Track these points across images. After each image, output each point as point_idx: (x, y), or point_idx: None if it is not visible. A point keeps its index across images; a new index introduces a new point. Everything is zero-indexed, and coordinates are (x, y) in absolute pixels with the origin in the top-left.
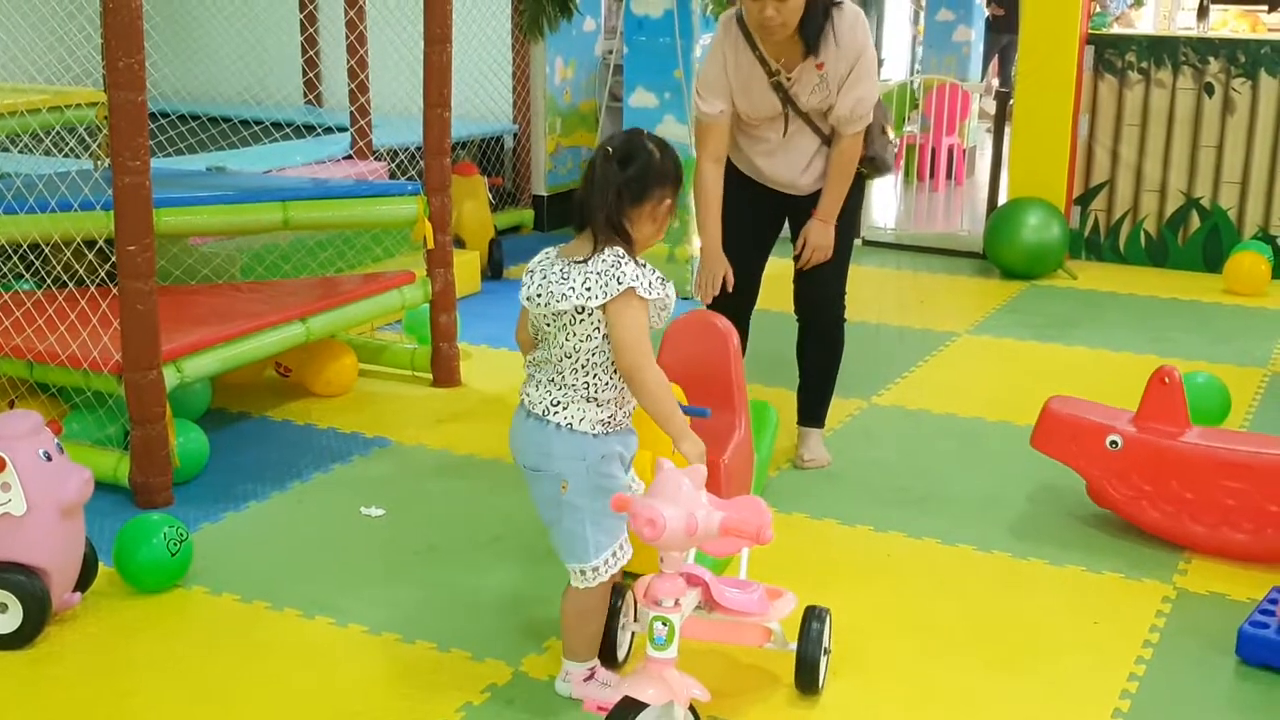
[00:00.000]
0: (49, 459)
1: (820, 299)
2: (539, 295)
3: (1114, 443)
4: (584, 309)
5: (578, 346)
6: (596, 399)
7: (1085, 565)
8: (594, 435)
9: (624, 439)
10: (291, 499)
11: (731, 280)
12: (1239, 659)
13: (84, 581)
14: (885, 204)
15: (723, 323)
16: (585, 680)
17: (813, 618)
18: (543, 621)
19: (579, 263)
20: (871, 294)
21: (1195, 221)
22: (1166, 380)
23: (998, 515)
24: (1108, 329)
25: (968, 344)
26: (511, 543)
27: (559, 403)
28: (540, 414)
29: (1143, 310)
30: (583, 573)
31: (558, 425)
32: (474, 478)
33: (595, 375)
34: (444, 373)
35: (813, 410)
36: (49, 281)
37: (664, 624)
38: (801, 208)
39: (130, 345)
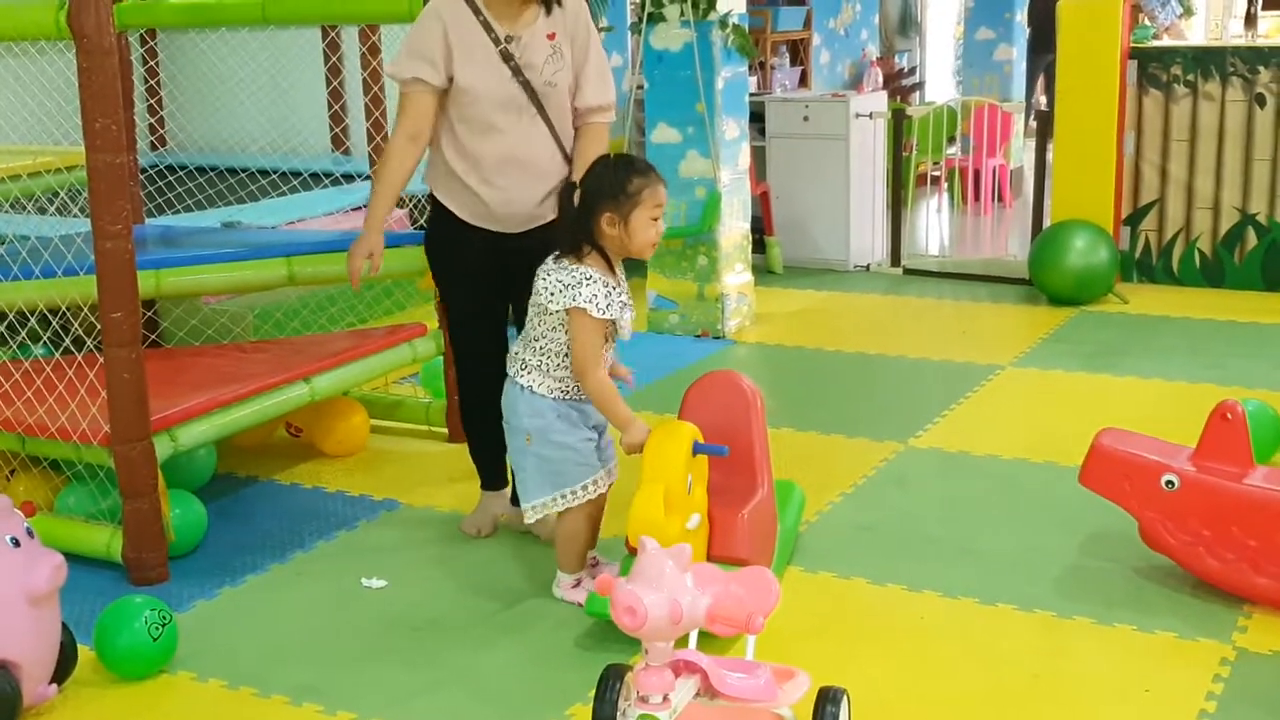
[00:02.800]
0: (17, 544)
1: None
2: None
3: (1170, 483)
4: (545, 309)
5: (544, 334)
6: (552, 375)
7: (1136, 624)
8: (551, 399)
9: (578, 405)
10: (291, 571)
11: (379, 263)
12: None
13: (62, 672)
14: (929, 230)
15: (747, 384)
16: (573, 587)
17: (827, 700)
18: (540, 704)
19: (554, 262)
20: (910, 326)
21: (1252, 239)
22: (1229, 416)
23: (1042, 568)
24: (1161, 356)
25: (1012, 377)
26: (517, 613)
27: (526, 367)
28: (511, 373)
29: (1198, 334)
30: (555, 501)
31: (521, 386)
32: (482, 542)
33: (551, 358)
34: (458, 428)
35: None
36: (52, 348)
37: None
38: (526, 252)
39: (118, 415)
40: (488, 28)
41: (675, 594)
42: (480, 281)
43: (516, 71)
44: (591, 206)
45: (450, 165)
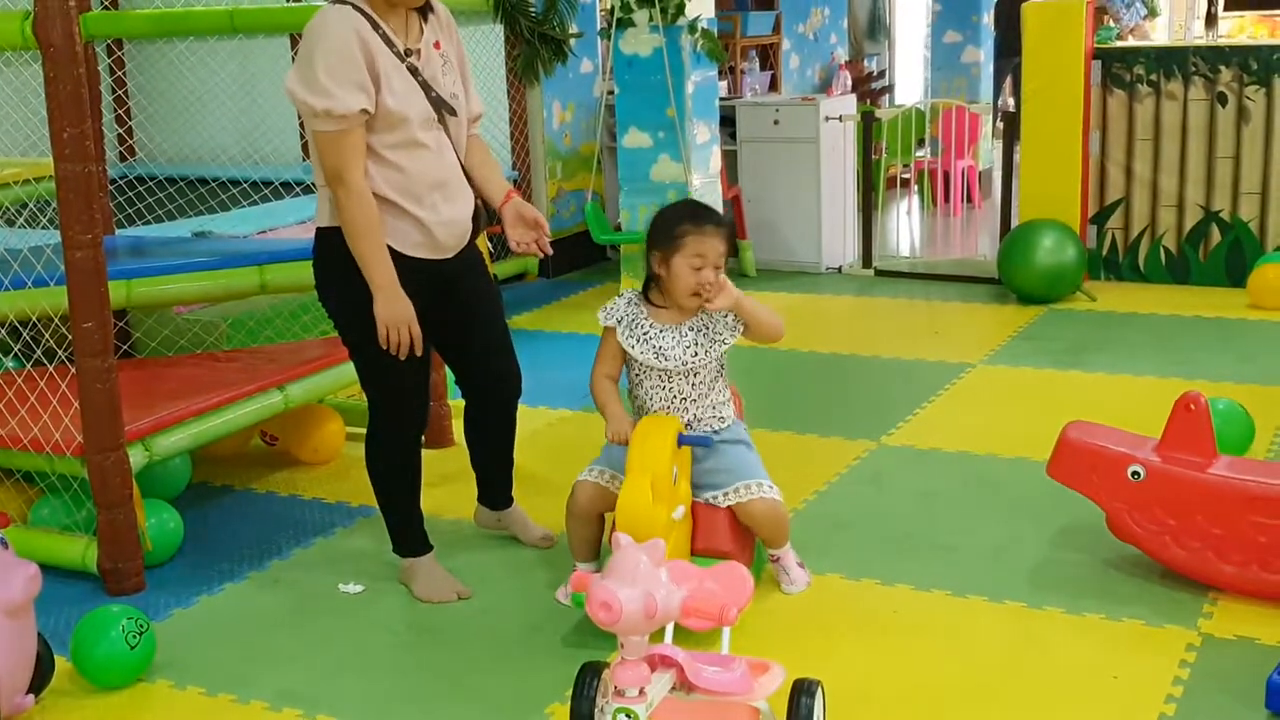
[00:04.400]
0: None
1: (509, 360)
2: None
3: (1136, 474)
4: None
5: None
6: None
7: (1105, 613)
8: None
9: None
10: (268, 578)
11: (419, 336)
12: (1270, 713)
13: (39, 682)
14: (900, 231)
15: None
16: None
17: (802, 692)
18: (518, 705)
19: None
20: (882, 326)
21: (1216, 235)
22: (1192, 407)
23: (1013, 561)
24: (1129, 352)
25: (983, 375)
26: (493, 616)
27: None
28: None
29: (1165, 330)
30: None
31: None
32: (460, 546)
33: None
34: (434, 432)
35: (509, 487)
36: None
37: (628, 715)
38: (462, 272)
39: (91, 426)
40: (389, 42)
41: (650, 588)
42: (423, 317)
43: (425, 87)
44: (648, 244)
45: (382, 194)
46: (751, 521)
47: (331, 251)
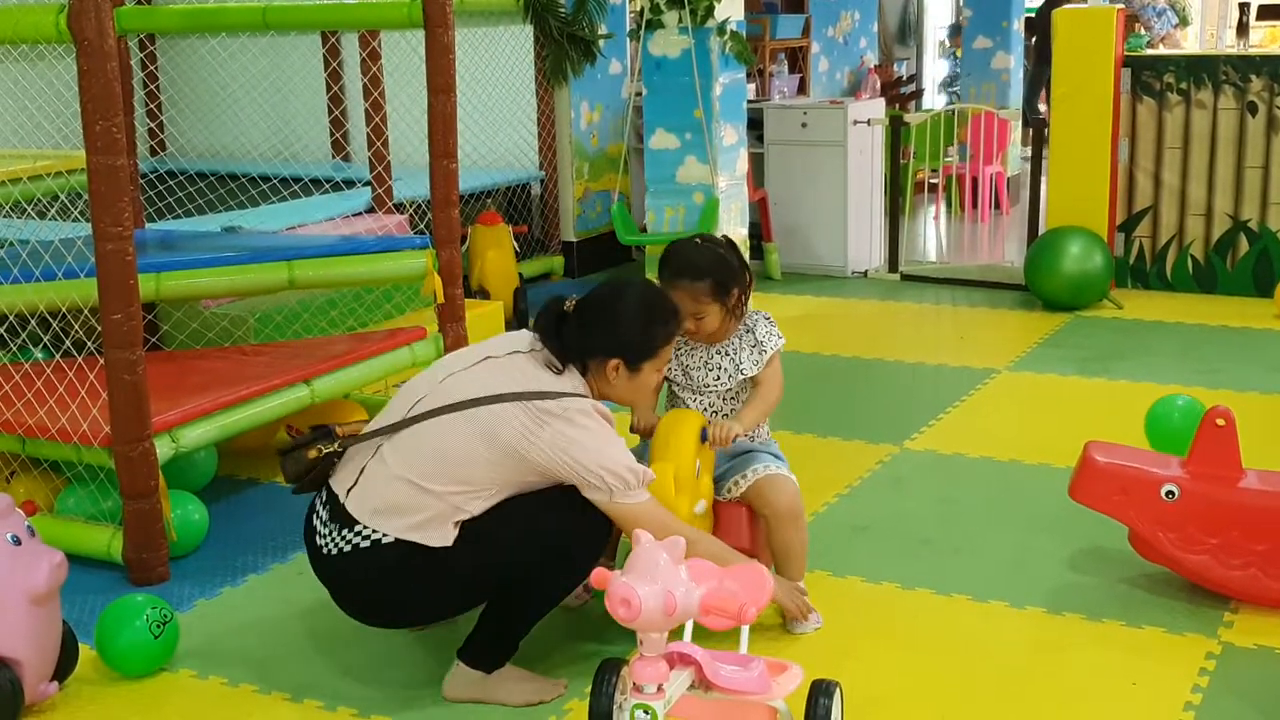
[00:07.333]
0: (18, 543)
1: None
2: None
3: (1170, 493)
4: None
5: None
6: None
7: (1124, 620)
8: None
9: None
10: (292, 570)
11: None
12: None
13: (63, 669)
14: (926, 236)
15: None
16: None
17: (820, 693)
18: (540, 706)
19: None
20: (907, 331)
21: (1244, 245)
22: (1220, 422)
23: (1034, 567)
24: (1154, 361)
25: (1007, 381)
26: None
27: None
28: None
29: (1191, 339)
30: None
31: None
32: None
33: None
34: None
35: None
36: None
37: (646, 712)
38: None
39: (119, 417)
40: None
41: (669, 586)
42: None
43: None
44: None
45: (464, 524)
46: (767, 504)
47: (428, 569)
